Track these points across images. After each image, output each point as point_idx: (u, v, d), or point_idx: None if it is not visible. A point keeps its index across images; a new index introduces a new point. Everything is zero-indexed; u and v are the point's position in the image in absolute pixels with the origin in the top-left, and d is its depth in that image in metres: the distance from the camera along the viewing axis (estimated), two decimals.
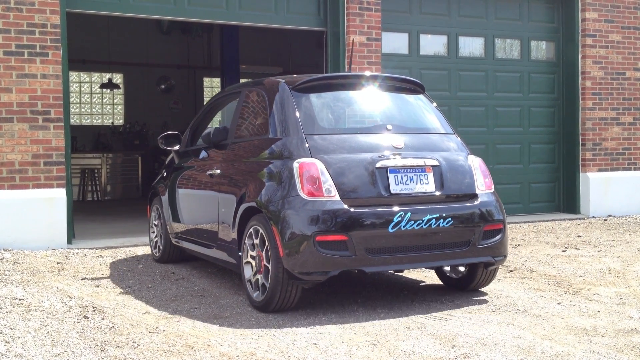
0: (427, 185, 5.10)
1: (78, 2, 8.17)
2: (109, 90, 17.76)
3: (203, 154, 6.32)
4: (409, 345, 4.19)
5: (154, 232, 7.30)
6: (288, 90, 5.30)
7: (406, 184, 5.03)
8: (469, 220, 5.15)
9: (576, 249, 7.78)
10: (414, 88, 5.86)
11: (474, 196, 5.27)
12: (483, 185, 5.35)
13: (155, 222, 7.29)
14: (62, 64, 7.79)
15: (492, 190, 5.44)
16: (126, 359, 3.93)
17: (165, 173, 7.18)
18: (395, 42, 9.94)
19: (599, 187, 10.73)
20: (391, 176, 5.00)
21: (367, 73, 6.07)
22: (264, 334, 4.43)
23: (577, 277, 6.25)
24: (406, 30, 10.04)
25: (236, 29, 14.54)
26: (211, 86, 19.14)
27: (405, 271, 6.36)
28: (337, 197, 4.82)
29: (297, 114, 5.15)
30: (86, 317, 4.79)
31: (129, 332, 4.47)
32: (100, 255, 7.35)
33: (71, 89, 16.98)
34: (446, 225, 5.00)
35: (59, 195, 7.72)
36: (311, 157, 4.91)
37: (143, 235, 8.36)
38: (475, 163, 5.41)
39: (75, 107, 17.50)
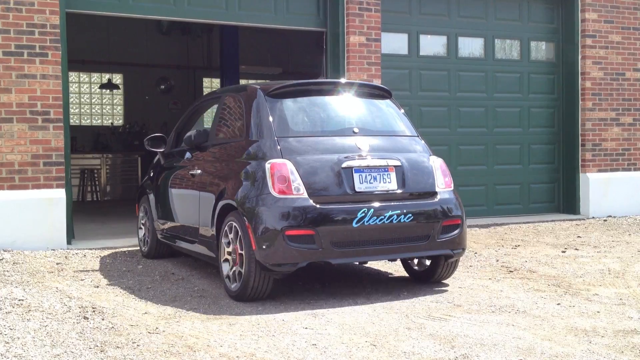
0: (390, 183, 5.51)
1: (78, 2, 8.17)
2: (108, 90, 17.75)
3: (186, 155, 6.68)
4: (409, 346, 4.19)
5: (142, 229, 7.61)
6: (263, 95, 5.69)
7: (370, 183, 5.44)
8: (429, 216, 5.56)
9: (576, 249, 7.78)
10: (381, 94, 6.24)
11: (434, 194, 5.67)
12: (443, 184, 5.75)
13: (143, 220, 7.61)
14: (61, 64, 7.79)
15: (452, 188, 5.84)
16: None
17: (152, 173, 7.55)
18: (395, 43, 9.94)
19: (599, 187, 10.73)
20: (356, 175, 5.40)
21: (337, 80, 6.36)
22: (264, 335, 4.43)
23: (577, 277, 6.25)
24: (406, 31, 10.04)
25: (236, 29, 14.53)
26: (211, 86, 19.13)
27: (374, 265, 6.79)
28: (305, 195, 5.22)
29: (271, 118, 5.55)
30: (86, 318, 4.78)
31: (129, 332, 4.46)
32: (100, 256, 7.35)
33: (71, 89, 16.97)
34: (407, 221, 5.40)
35: (58, 196, 7.72)
36: (282, 158, 5.31)
37: None
38: (437, 164, 5.82)
39: (74, 107, 17.49)
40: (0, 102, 7.52)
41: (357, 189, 5.36)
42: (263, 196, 5.20)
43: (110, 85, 17.27)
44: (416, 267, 6.13)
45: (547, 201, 11.13)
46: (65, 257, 7.22)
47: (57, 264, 6.85)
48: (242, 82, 17.58)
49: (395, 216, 5.34)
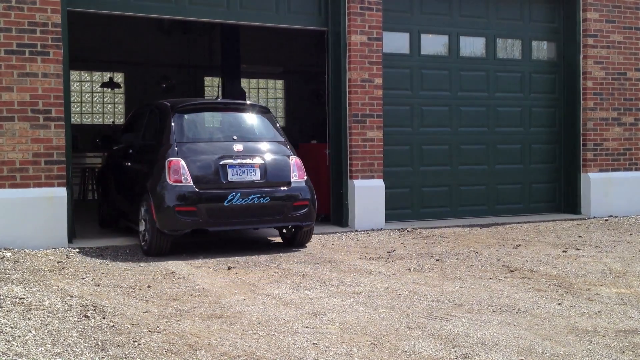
0: (255, 176, 7.57)
1: (79, 1, 8.17)
2: (109, 89, 17.74)
3: (124, 152, 8.75)
4: (410, 345, 4.19)
5: (100, 206, 9.84)
6: (171, 111, 7.73)
7: (239, 175, 7.50)
8: (282, 198, 7.61)
9: (577, 249, 7.77)
10: (262, 110, 8.30)
11: (289, 183, 7.72)
12: (297, 176, 7.77)
13: (100, 199, 9.88)
14: (63, 62, 7.79)
15: (304, 179, 7.83)
16: (127, 358, 3.93)
17: (105, 163, 10.05)
18: (397, 42, 9.94)
19: (600, 187, 10.73)
20: (229, 170, 7.47)
21: (227, 100, 8.79)
22: (265, 334, 4.43)
23: (578, 277, 6.25)
24: (407, 30, 10.04)
25: (237, 28, 14.52)
26: (212, 85, 19.11)
27: (263, 234, 9.03)
28: (192, 183, 7.30)
29: (174, 128, 7.58)
30: (87, 316, 4.79)
31: (130, 331, 4.46)
32: (101, 255, 7.36)
33: (72, 88, 16.96)
34: (265, 202, 7.48)
35: (59, 194, 7.72)
36: (178, 157, 7.34)
37: None
38: (294, 162, 7.83)
39: (76, 106, 17.49)
40: (1, 101, 7.53)
41: (229, 180, 7.42)
42: (163, 184, 7.26)
43: (111, 84, 17.26)
44: (288, 236, 8.14)
45: (548, 201, 11.13)
46: (66, 255, 7.22)
47: (58, 262, 6.86)
48: (243, 80, 17.61)
49: (256, 198, 7.42)
